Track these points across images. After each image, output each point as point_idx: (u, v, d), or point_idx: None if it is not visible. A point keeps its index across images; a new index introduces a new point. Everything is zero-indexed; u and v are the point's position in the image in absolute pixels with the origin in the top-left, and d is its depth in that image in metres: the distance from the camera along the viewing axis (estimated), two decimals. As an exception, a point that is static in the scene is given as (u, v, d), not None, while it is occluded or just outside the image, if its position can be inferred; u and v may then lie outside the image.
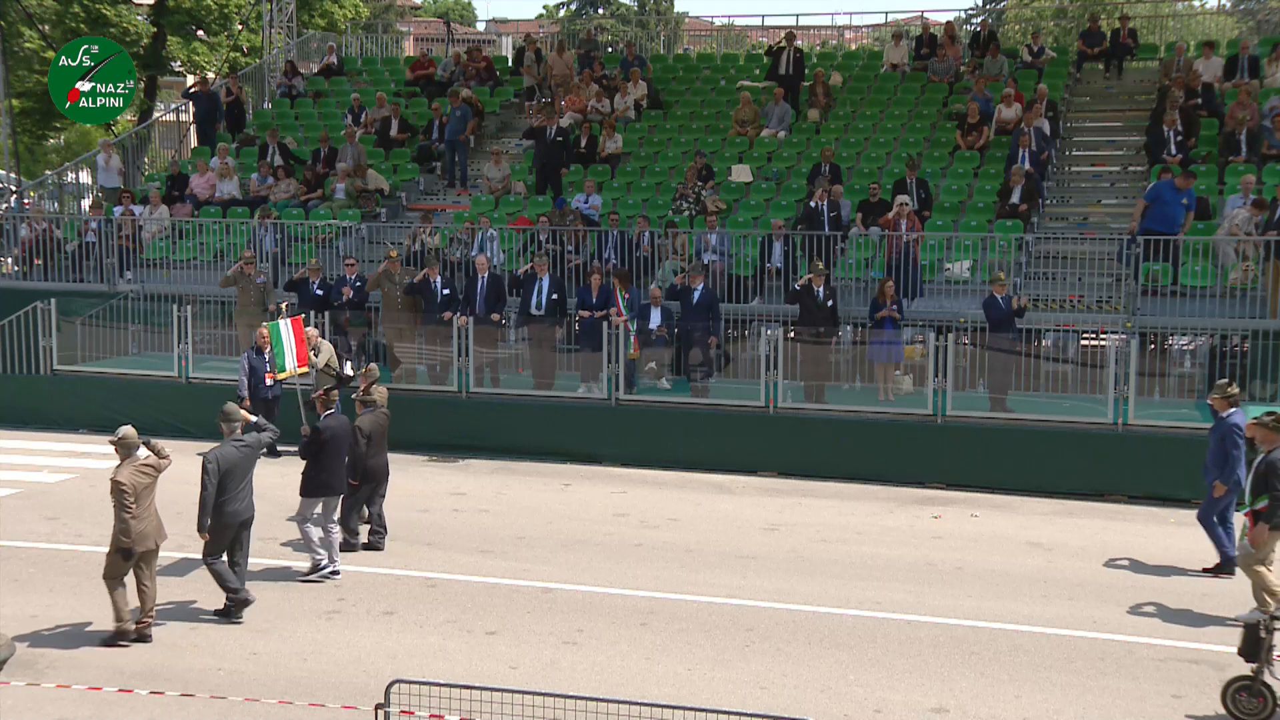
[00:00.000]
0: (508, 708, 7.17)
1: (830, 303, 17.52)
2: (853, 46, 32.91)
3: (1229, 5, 41.59)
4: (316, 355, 17.18)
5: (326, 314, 18.61)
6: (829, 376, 17.55)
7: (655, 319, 17.80)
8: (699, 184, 21.23)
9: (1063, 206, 21.41)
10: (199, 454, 11.06)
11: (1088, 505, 15.24)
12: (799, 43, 25.12)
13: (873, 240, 19.23)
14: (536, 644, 10.49)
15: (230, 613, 11.10)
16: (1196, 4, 42.14)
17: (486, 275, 18.53)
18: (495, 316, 18.42)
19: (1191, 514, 14.82)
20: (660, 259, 19.62)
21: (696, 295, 17.74)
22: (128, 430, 10.78)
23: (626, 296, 17.94)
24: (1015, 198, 19.65)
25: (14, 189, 28.96)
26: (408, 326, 18.78)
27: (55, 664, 10.02)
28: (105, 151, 24.62)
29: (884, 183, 20.55)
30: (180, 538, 13.30)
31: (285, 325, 13.96)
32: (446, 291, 18.55)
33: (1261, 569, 10.83)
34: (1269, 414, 11.24)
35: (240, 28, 38.40)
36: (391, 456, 17.33)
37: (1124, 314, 17.69)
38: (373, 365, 14.86)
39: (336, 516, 12.60)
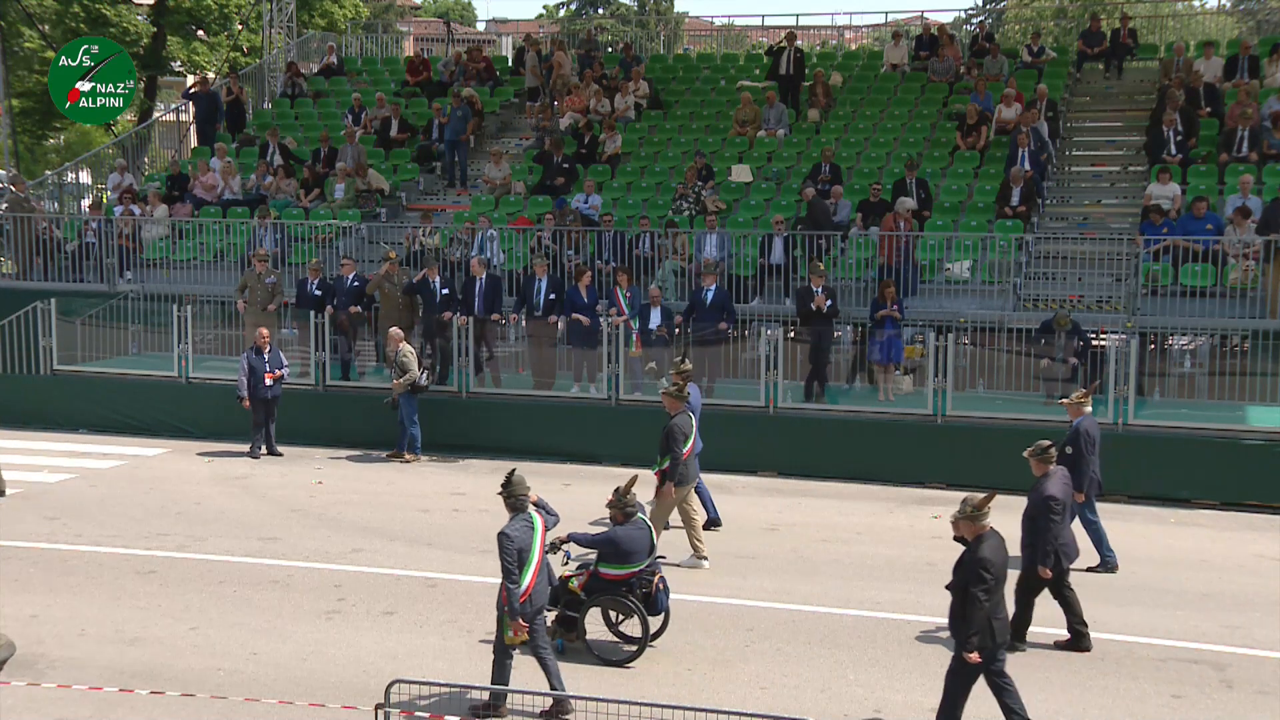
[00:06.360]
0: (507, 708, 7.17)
1: (830, 302, 17.52)
2: (853, 46, 32.85)
3: (1229, 5, 41.58)
4: (397, 358, 17.00)
5: (326, 314, 18.60)
6: (829, 376, 17.55)
7: (655, 319, 17.77)
8: (699, 184, 21.21)
9: (1063, 206, 21.39)
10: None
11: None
12: (799, 43, 25.10)
13: (873, 240, 19.23)
14: (536, 644, 10.48)
15: None
16: (1196, 4, 42.12)
17: (484, 276, 18.53)
18: (495, 316, 18.42)
19: (1192, 514, 14.90)
20: (660, 259, 19.62)
21: (710, 295, 17.74)
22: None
23: (628, 295, 17.94)
24: (1015, 198, 19.63)
25: (14, 188, 28.92)
26: (408, 327, 18.74)
27: (55, 664, 10.02)
28: (119, 174, 24.67)
29: (884, 183, 20.54)
30: (181, 538, 13.38)
31: None
32: (446, 291, 18.54)
33: (692, 520, 12.73)
34: (675, 385, 12.86)
35: (240, 28, 38.40)
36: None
37: (1124, 314, 17.70)
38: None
39: None
